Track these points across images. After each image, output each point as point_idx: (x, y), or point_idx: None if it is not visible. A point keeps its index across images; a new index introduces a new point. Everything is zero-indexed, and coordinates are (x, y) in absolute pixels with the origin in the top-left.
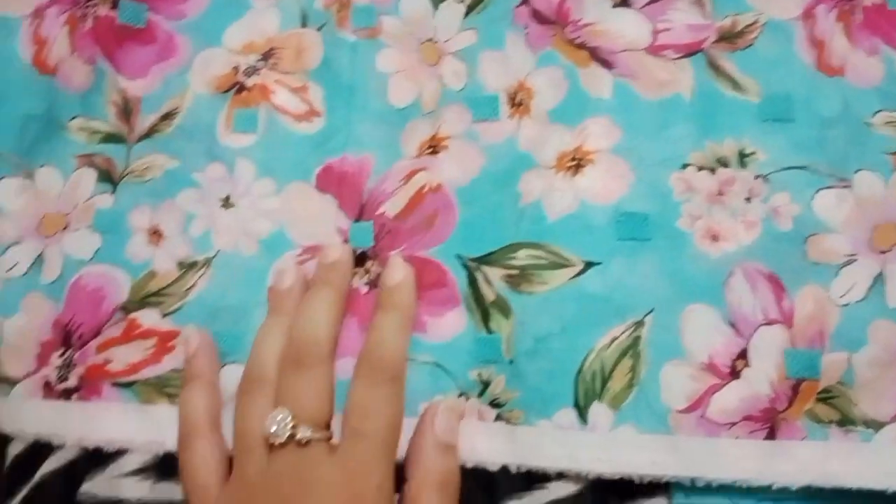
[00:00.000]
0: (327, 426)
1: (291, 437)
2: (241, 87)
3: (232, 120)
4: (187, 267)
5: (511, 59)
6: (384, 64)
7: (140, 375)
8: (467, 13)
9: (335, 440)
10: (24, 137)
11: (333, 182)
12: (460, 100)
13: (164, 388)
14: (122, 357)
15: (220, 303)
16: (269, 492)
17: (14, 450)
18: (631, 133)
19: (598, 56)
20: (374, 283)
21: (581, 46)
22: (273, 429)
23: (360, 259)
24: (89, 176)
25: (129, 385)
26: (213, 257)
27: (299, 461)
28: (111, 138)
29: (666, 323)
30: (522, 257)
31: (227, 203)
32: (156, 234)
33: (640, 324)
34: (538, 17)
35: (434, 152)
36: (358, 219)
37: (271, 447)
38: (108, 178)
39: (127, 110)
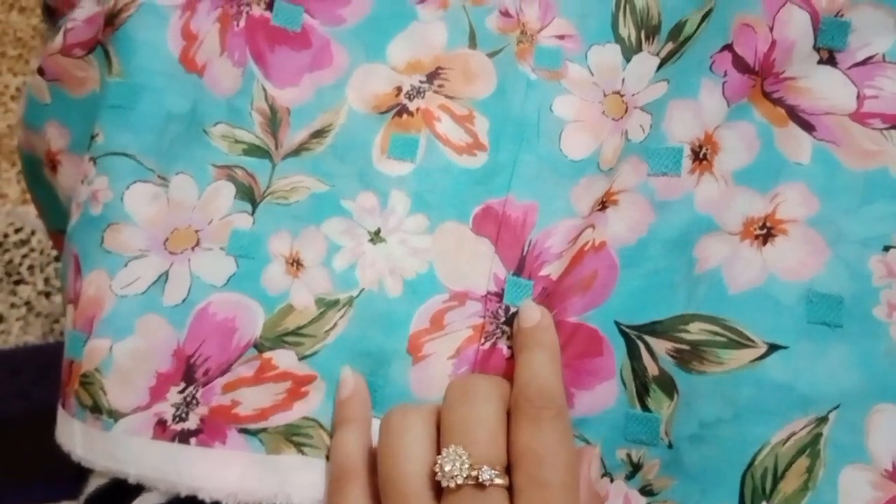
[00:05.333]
0: (506, 472)
1: (470, 478)
2: (402, 110)
3: (388, 144)
4: (327, 305)
5: (703, 107)
6: (562, 110)
7: (269, 423)
8: (661, 65)
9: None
10: (164, 138)
11: (492, 225)
12: (638, 151)
13: (293, 437)
14: (252, 400)
15: (360, 348)
16: None
17: (90, 486)
18: (830, 205)
19: (798, 116)
20: None
21: (778, 103)
22: (448, 467)
23: (510, 319)
24: (228, 190)
25: (255, 433)
26: (357, 296)
27: None
28: (255, 151)
29: (851, 422)
30: (695, 331)
31: (376, 237)
32: (295, 264)
33: (822, 420)
34: (739, 64)
35: (602, 208)
36: (517, 272)
37: (440, 492)
38: (249, 195)
39: (275, 122)
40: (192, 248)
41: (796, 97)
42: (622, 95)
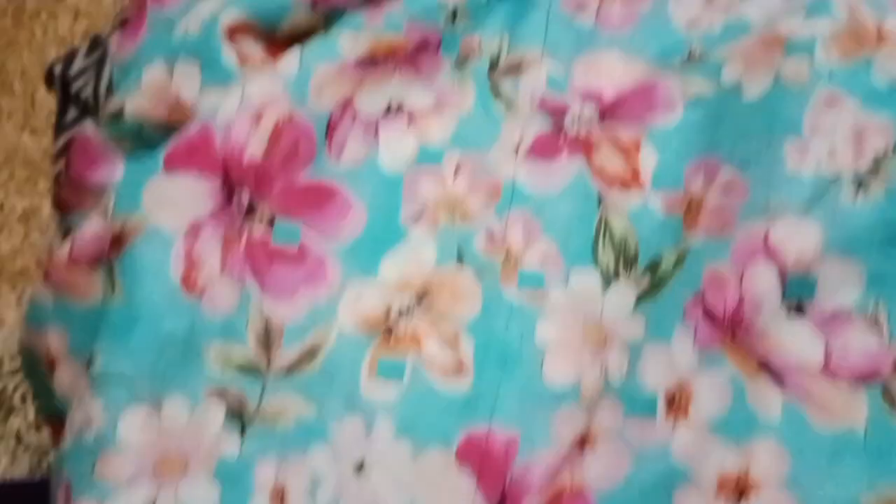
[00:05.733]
0: None
1: None
2: (390, 331)
3: (376, 367)
4: None
5: (676, 355)
6: (544, 336)
7: None
8: (638, 301)
9: None
10: (160, 362)
11: (476, 456)
12: (616, 393)
13: None
14: None
15: None
16: None
17: None
18: (801, 464)
19: (769, 368)
20: None
21: (749, 353)
22: None
23: None
24: (218, 412)
25: None
26: None
27: None
28: (247, 369)
29: None
30: None
31: (360, 468)
32: (279, 497)
33: None
34: (709, 316)
35: (580, 447)
36: None
37: None
38: (238, 417)
39: (268, 339)
40: (180, 476)
41: (766, 349)
42: (602, 325)
